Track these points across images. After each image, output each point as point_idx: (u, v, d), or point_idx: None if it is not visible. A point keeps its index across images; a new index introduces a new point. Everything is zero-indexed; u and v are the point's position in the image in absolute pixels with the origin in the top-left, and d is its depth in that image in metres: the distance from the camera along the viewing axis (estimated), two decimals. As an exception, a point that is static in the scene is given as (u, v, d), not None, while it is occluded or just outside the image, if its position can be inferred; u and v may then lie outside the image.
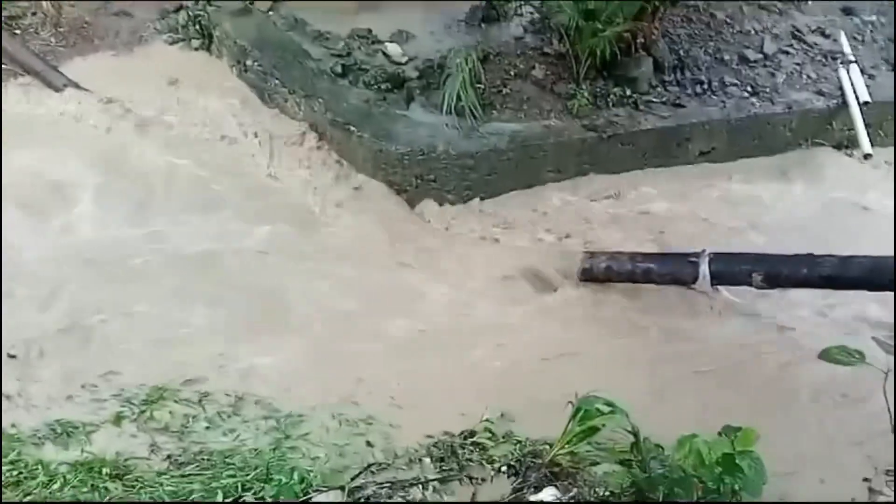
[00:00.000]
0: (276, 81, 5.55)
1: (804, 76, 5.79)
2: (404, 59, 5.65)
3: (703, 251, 4.35)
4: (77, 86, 5.65)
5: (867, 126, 5.52)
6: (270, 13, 6.08)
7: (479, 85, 5.29)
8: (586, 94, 5.29)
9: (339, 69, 5.52)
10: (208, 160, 5.19)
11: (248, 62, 5.74)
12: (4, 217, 4.45)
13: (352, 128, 5.15)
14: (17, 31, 6.19)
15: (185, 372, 3.67)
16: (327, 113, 5.26)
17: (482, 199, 5.06)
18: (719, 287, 4.36)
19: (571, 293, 4.46)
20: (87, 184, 4.86)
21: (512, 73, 5.52)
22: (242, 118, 5.46)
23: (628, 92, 5.41)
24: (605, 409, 2.98)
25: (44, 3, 6.28)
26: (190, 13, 6.23)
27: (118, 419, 3.40)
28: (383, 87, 5.42)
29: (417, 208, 5.02)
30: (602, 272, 4.48)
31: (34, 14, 6.33)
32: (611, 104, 5.33)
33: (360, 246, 4.71)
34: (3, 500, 2.94)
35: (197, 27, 6.15)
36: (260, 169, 5.18)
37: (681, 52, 5.77)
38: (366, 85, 5.43)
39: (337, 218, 4.90)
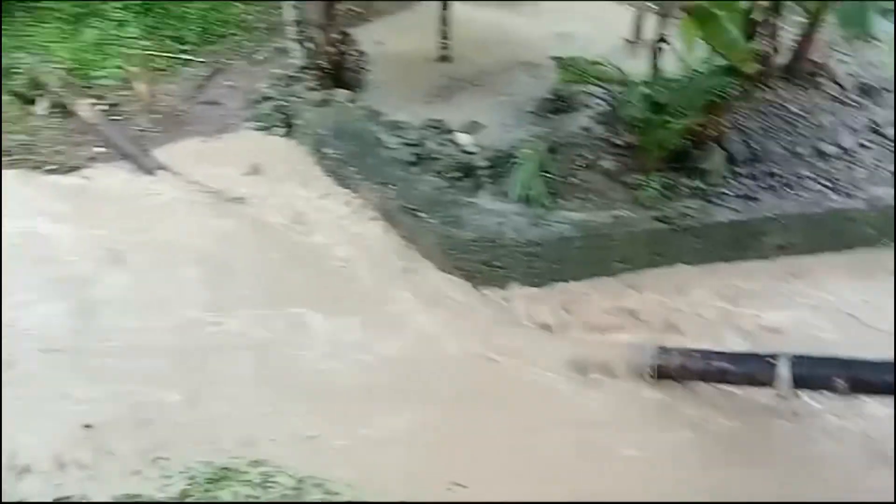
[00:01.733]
0: (352, 169, 5.76)
1: (885, 171, 5.62)
2: (475, 149, 5.79)
3: (784, 353, 4.18)
4: (167, 169, 6.02)
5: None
6: (350, 104, 6.38)
7: (547, 174, 5.36)
8: (655, 185, 5.26)
9: (411, 158, 5.71)
10: (283, 245, 5.38)
11: (326, 150, 6.01)
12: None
13: (421, 214, 5.27)
14: (117, 118, 6.69)
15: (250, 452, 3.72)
16: (398, 199, 5.41)
17: (549, 286, 5.05)
18: (798, 391, 4.17)
19: (640, 389, 4.35)
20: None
21: (580, 163, 5.57)
22: (317, 203, 5.67)
23: (699, 184, 5.35)
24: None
25: (142, 91, 6.80)
26: (274, 103, 6.62)
27: (184, 496, 3.46)
28: (453, 175, 5.56)
29: (484, 294, 5.04)
30: (676, 369, 4.34)
31: (133, 102, 6.85)
32: (681, 196, 5.28)
33: (427, 332, 4.74)
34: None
35: (280, 116, 6.52)
36: (332, 256, 5.32)
37: (753, 145, 5.69)
38: (436, 173, 5.59)
39: (403, 305, 4.95)
